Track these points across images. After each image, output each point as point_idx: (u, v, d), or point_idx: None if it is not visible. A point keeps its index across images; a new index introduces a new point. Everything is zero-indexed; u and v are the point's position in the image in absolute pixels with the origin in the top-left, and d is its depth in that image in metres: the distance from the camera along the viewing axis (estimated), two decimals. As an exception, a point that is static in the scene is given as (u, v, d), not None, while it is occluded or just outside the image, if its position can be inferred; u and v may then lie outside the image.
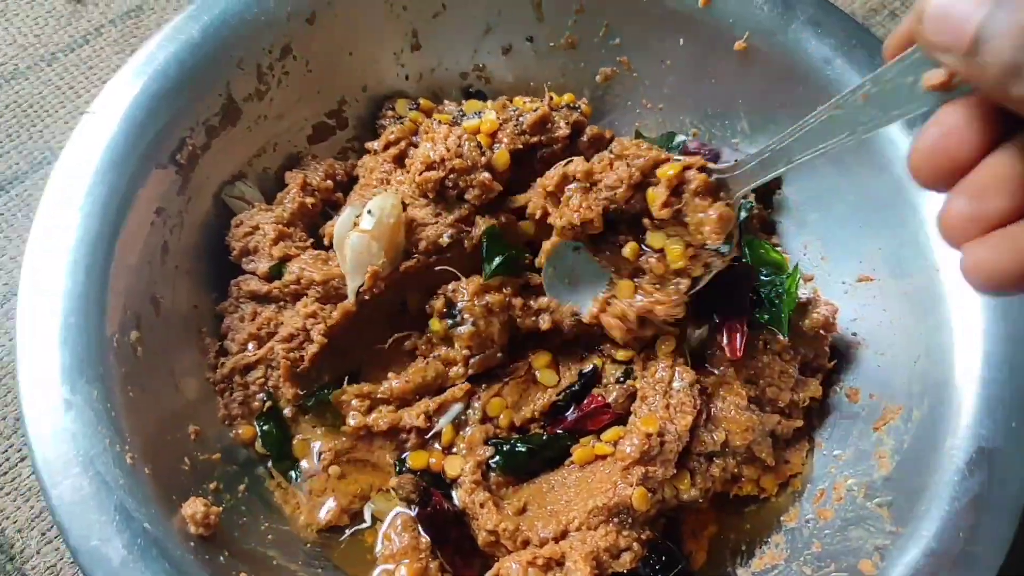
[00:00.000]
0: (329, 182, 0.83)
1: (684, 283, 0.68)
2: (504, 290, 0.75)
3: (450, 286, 0.76)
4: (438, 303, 0.76)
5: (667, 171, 0.65)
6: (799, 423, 0.73)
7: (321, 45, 0.82)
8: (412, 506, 0.70)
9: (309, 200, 0.80)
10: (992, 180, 0.41)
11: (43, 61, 1.00)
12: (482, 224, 0.75)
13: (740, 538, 0.72)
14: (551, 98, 0.83)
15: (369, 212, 0.73)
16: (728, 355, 0.71)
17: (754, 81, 0.82)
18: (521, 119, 0.79)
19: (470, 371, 0.76)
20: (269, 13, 0.78)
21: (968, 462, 0.62)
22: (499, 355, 0.77)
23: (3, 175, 0.92)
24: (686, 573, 0.69)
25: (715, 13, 0.81)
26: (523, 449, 0.72)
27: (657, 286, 0.70)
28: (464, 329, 0.75)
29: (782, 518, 0.71)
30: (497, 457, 0.72)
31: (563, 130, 0.79)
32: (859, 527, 0.65)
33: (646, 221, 0.69)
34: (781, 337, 0.72)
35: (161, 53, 0.75)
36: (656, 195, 0.66)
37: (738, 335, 0.71)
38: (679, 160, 0.66)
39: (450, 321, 0.75)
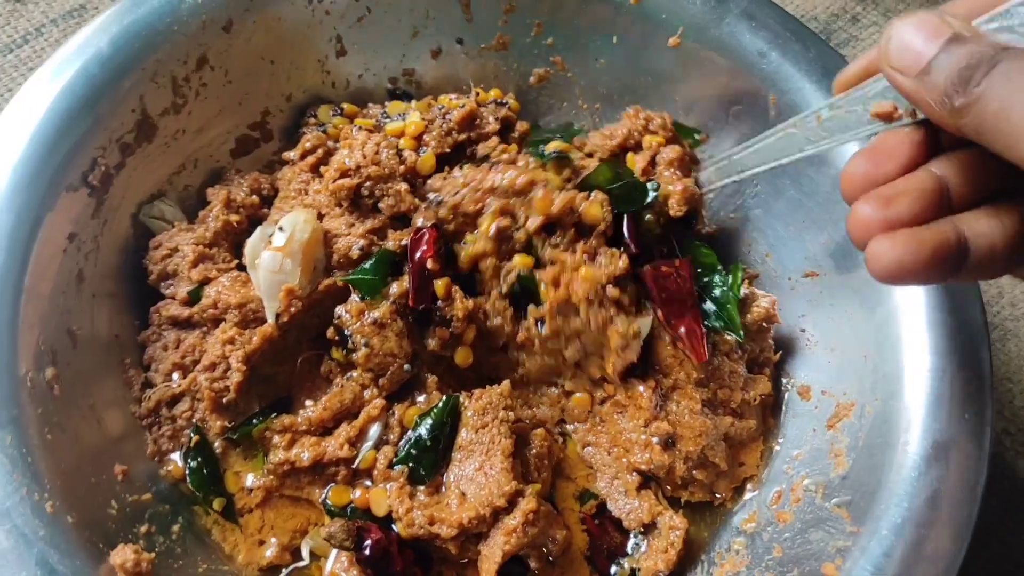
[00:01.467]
0: (254, 197, 0.78)
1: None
2: (390, 303, 0.70)
3: (336, 310, 0.71)
4: (330, 331, 0.70)
5: (651, 140, 0.74)
6: (752, 423, 0.71)
7: (240, 54, 0.78)
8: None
9: (233, 217, 0.76)
10: (901, 190, 0.49)
11: None
12: (392, 239, 0.71)
13: (699, 546, 0.70)
14: (477, 94, 0.81)
15: (280, 229, 0.69)
16: (695, 359, 0.69)
17: (689, 77, 0.80)
18: (448, 116, 0.77)
19: (383, 392, 0.70)
20: (182, 22, 0.74)
21: (924, 457, 0.61)
22: (406, 367, 0.70)
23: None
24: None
25: (648, 9, 0.80)
26: (422, 433, 0.67)
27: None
28: (359, 353, 0.69)
29: (740, 522, 0.70)
30: (402, 456, 0.67)
31: (492, 126, 0.78)
32: (819, 529, 0.63)
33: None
34: (728, 337, 0.71)
35: (68, 68, 0.71)
36: (637, 160, 0.71)
37: (699, 336, 0.69)
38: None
39: (344, 349, 0.70)
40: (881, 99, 0.51)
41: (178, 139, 0.77)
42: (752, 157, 0.65)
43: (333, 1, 0.80)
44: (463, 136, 0.76)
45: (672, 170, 0.74)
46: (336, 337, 0.70)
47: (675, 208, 0.71)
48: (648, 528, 0.69)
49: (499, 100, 0.81)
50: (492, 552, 0.63)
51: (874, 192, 0.50)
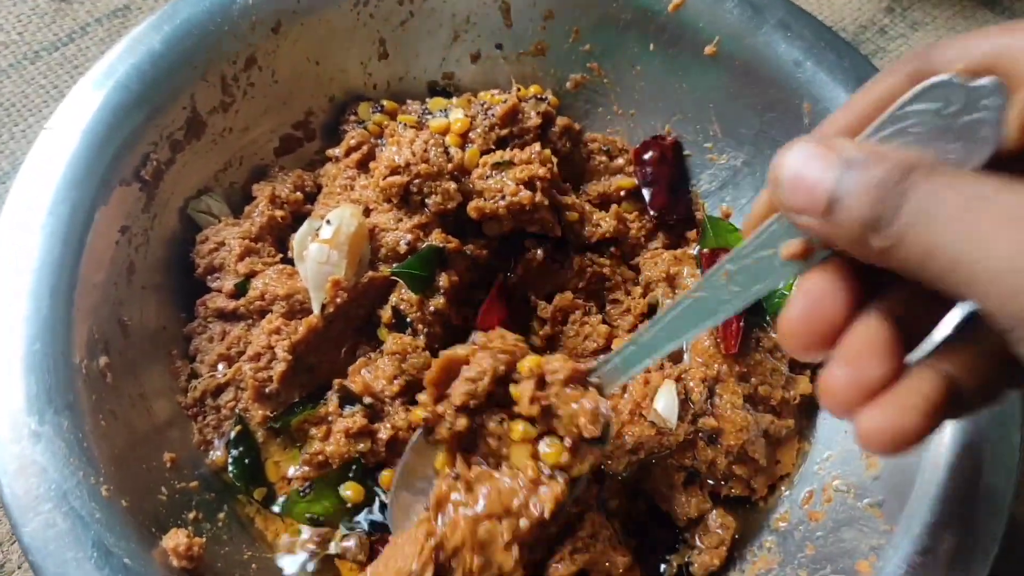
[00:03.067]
0: (298, 194, 0.80)
1: (558, 485, 0.59)
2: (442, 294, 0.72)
3: (391, 299, 0.73)
4: (387, 314, 0.73)
5: (526, 364, 0.60)
6: (790, 422, 0.73)
7: (287, 55, 0.80)
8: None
9: (278, 213, 0.78)
10: (866, 346, 0.42)
11: (26, 59, 0.98)
12: (436, 238, 0.73)
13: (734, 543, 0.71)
14: (519, 89, 0.83)
15: (328, 222, 0.71)
16: (723, 350, 0.70)
17: (725, 85, 0.82)
18: (490, 112, 0.78)
19: None
20: (233, 23, 0.76)
21: (955, 457, 0.62)
22: None
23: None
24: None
25: (685, 17, 0.81)
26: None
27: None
28: (420, 338, 0.72)
29: (772, 521, 0.71)
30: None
31: (533, 120, 0.79)
32: (852, 528, 0.65)
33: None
34: (773, 335, 0.72)
35: (121, 65, 0.73)
36: (521, 391, 0.59)
37: (734, 330, 0.70)
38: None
39: (403, 333, 0.72)
40: (788, 238, 0.44)
41: (225, 137, 0.79)
42: (662, 334, 0.55)
43: (377, 5, 0.82)
44: (505, 131, 0.78)
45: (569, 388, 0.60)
46: (393, 321, 0.72)
47: (589, 430, 0.58)
48: (693, 524, 0.70)
49: (539, 96, 0.83)
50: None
51: (842, 351, 0.42)
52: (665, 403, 0.69)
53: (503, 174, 0.73)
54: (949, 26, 1.08)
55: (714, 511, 0.71)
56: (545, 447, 0.60)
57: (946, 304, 0.42)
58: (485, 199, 0.72)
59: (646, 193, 0.85)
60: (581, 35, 0.86)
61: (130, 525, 0.59)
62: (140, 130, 0.72)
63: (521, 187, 0.72)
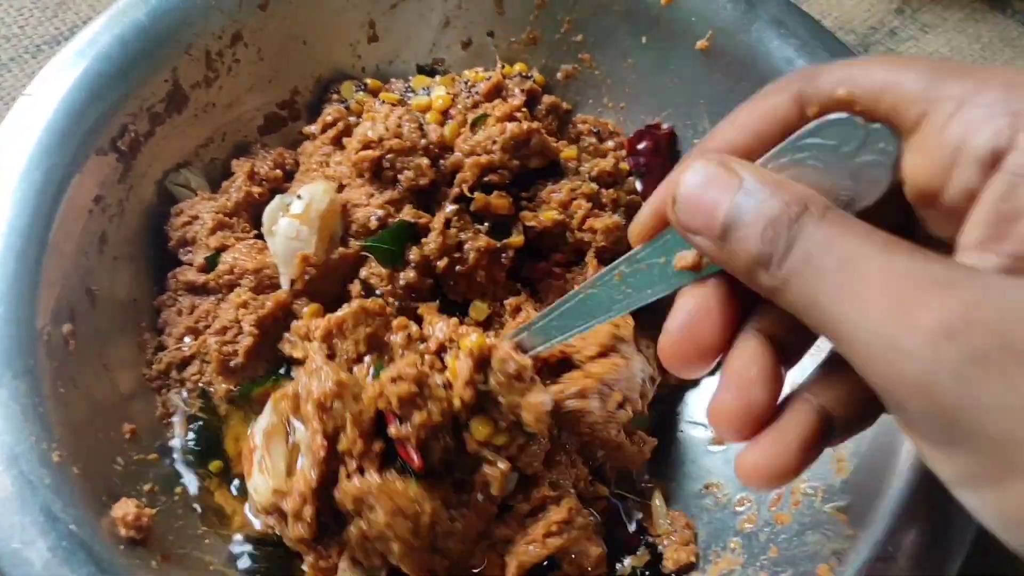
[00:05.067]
0: (278, 171, 0.80)
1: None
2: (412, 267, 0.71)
3: (360, 272, 0.72)
4: (356, 287, 0.71)
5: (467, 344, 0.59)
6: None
7: (274, 33, 0.79)
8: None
9: (256, 189, 0.77)
10: (749, 371, 0.42)
11: (27, 53, 0.97)
12: (408, 214, 0.71)
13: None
14: (503, 66, 0.82)
15: (299, 197, 0.70)
16: None
17: (716, 80, 0.81)
18: (474, 89, 0.78)
19: None
20: (220, -3, 0.76)
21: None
22: None
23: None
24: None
25: (678, 11, 0.80)
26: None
27: None
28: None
29: (738, 522, 0.69)
30: None
31: (518, 98, 0.78)
32: (816, 531, 0.63)
33: None
34: None
35: (105, 34, 0.72)
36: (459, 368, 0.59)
37: None
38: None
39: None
40: (682, 249, 0.45)
41: (208, 112, 0.78)
42: (553, 325, 0.56)
43: (368, -13, 0.82)
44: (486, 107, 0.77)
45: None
46: (363, 295, 0.71)
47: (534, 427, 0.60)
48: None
49: (524, 74, 0.82)
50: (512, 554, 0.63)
51: (727, 380, 0.43)
52: None
53: (482, 129, 0.72)
54: (959, 29, 1.06)
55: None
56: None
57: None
58: (476, 154, 0.71)
59: (639, 183, 0.83)
60: (573, 25, 0.85)
61: (80, 492, 0.59)
62: (119, 100, 0.71)
63: (505, 123, 0.71)
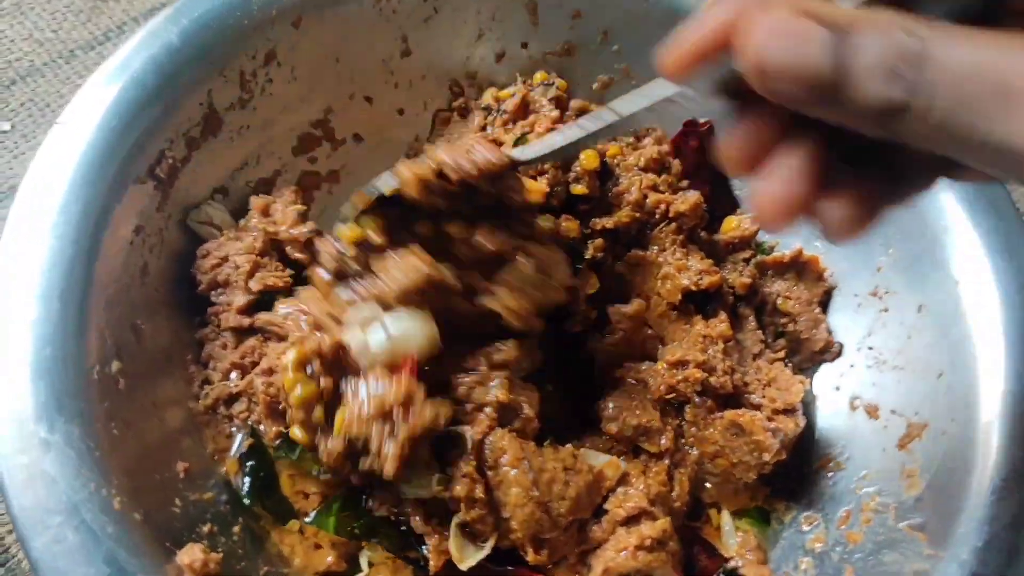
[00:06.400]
0: (295, 207, 0.76)
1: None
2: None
3: None
4: None
5: None
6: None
7: (307, 51, 0.77)
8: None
9: (271, 229, 0.74)
10: (794, 163, 0.42)
11: (61, 58, 0.95)
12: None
13: (766, 564, 0.69)
14: (524, 80, 0.82)
15: (385, 329, 0.61)
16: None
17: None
18: (502, 108, 0.79)
19: None
20: (253, 16, 0.73)
21: (1004, 480, 0.60)
22: None
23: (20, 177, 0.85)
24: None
25: (717, 19, 0.79)
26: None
27: None
28: None
29: (806, 542, 0.69)
30: None
31: (548, 108, 0.78)
32: (893, 550, 0.62)
33: None
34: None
35: (137, 59, 0.70)
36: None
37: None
38: None
39: None
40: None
41: (243, 134, 0.76)
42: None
43: (401, 0, 0.80)
44: (521, 123, 0.77)
45: None
46: None
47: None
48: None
49: (546, 82, 0.81)
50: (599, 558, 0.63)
51: (776, 167, 0.42)
52: None
53: None
54: None
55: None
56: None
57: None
58: (531, 177, 0.70)
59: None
60: (610, 36, 0.83)
61: (144, 540, 0.57)
62: (155, 126, 0.69)
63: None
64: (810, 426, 0.73)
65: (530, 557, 0.63)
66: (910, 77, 0.34)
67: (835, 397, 0.75)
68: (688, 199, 0.75)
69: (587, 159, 0.72)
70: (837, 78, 0.35)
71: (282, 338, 0.69)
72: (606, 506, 0.66)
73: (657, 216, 0.75)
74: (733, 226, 0.81)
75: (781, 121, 0.42)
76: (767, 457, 0.67)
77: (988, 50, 0.34)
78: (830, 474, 0.71)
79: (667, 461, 0.68)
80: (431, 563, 0.63)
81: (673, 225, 0.75)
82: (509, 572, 0.65)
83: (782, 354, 0.77)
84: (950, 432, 0.64)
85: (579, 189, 0.71)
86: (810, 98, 0.36)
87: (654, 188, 0.75)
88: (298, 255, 0.74)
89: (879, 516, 0.65)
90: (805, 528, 0.70)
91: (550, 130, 0.74)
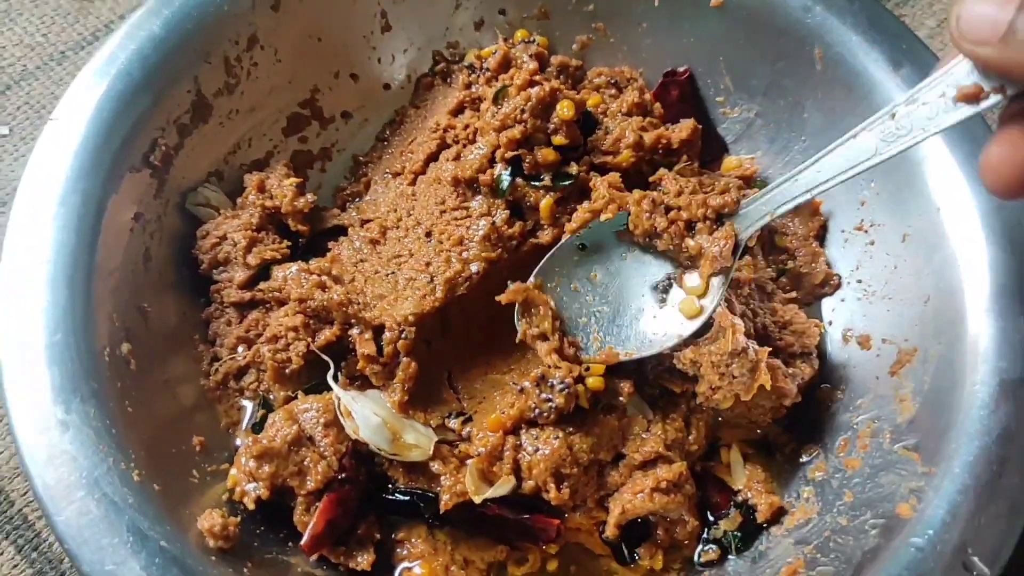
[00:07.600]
0: (290, 180, 0.78)
1: None
2: None
3: None
4: None
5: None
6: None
7: (289, 32, 0.79)
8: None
9: (269, 203, 0.76)
10: None
11: (52, 60, 0.97)
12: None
13: (769, 496, 0.71)
14: (504, 39, 0.83)
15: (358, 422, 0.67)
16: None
17: (734, 37, 0.81)
18: (485, 67, 0.80)
19: None
20: (232, 2, 0.75)
21: (992, 396, 0.61)
22: None
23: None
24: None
25: (689, -30, 0.80)
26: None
27: None
28: None
29: (807, 471, 0.70)
30: None
31: (529, 63, 0.78)
32: (890, 472, 0.64)
33: None
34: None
35: (122, 52, 0.72)
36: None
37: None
38: None
39: None
40: (963, 83, 0.50)
41: (232, 119, 0.78)
42: (819, 173, 0.60)
43: (375, -24, 0.81)
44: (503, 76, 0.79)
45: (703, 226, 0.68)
46: None
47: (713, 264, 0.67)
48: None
49: (527, 40, 0.83)
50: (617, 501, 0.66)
51: (1005, 133, 0.50)
52: None
53: (506, 101, 0.72)
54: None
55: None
56: None
57: None
58: (508, 126, 0.71)
59: None
60: (584, -4, 0.84)
61: (164, 508, 0.59)
62: (146, 115, 0.71)
63: (528, 90, 0.71)
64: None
65: (552, 495, 0.65)
66: None
67: (828, 331, 0.76)
68: (684, 126, 0.77)
69: (564, 108, 0.72)
70: (1012, 24, 0.45)
71: (283, 303, 0.71)
72: (624, 450, 0.68)
73: (660, 152, 0.77)
74: (734, 165, 0.82)
75: None
76: (786, 402, 0.69)
77: None
78: (828, 405, 0.73)
79: (684, 407, 0.70)
80: (442, 502, 0.66)
81: (684, 156, 0.77)
82: (527, 519, 0.67)
83: (793, 294, 0.78)
84: (938, 353, 0.66)
85: (559, 140, 0.72)
86: (991, 38, 0.47)
87: (643, 129, 0.76)
88: (300, 227, 0.76)
89: (875, 441, 0.67)
90: (804, 459, 0.71)
91: (529, 83, 0.73)
